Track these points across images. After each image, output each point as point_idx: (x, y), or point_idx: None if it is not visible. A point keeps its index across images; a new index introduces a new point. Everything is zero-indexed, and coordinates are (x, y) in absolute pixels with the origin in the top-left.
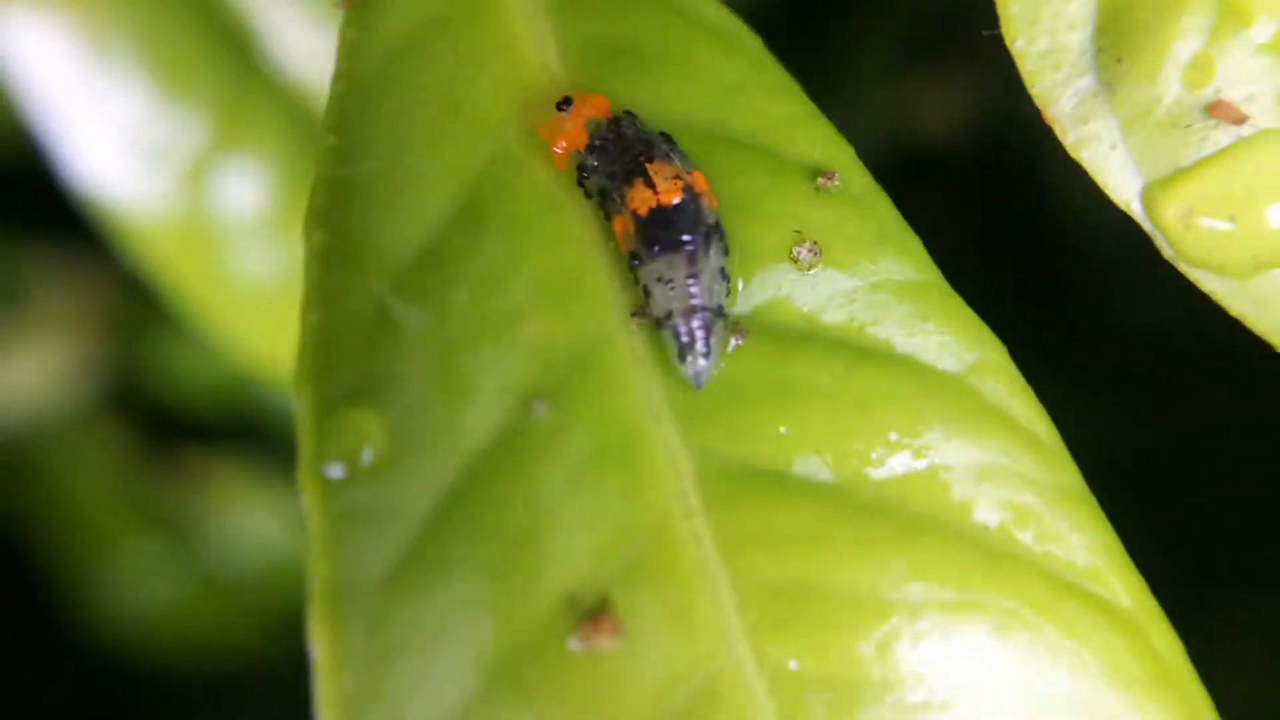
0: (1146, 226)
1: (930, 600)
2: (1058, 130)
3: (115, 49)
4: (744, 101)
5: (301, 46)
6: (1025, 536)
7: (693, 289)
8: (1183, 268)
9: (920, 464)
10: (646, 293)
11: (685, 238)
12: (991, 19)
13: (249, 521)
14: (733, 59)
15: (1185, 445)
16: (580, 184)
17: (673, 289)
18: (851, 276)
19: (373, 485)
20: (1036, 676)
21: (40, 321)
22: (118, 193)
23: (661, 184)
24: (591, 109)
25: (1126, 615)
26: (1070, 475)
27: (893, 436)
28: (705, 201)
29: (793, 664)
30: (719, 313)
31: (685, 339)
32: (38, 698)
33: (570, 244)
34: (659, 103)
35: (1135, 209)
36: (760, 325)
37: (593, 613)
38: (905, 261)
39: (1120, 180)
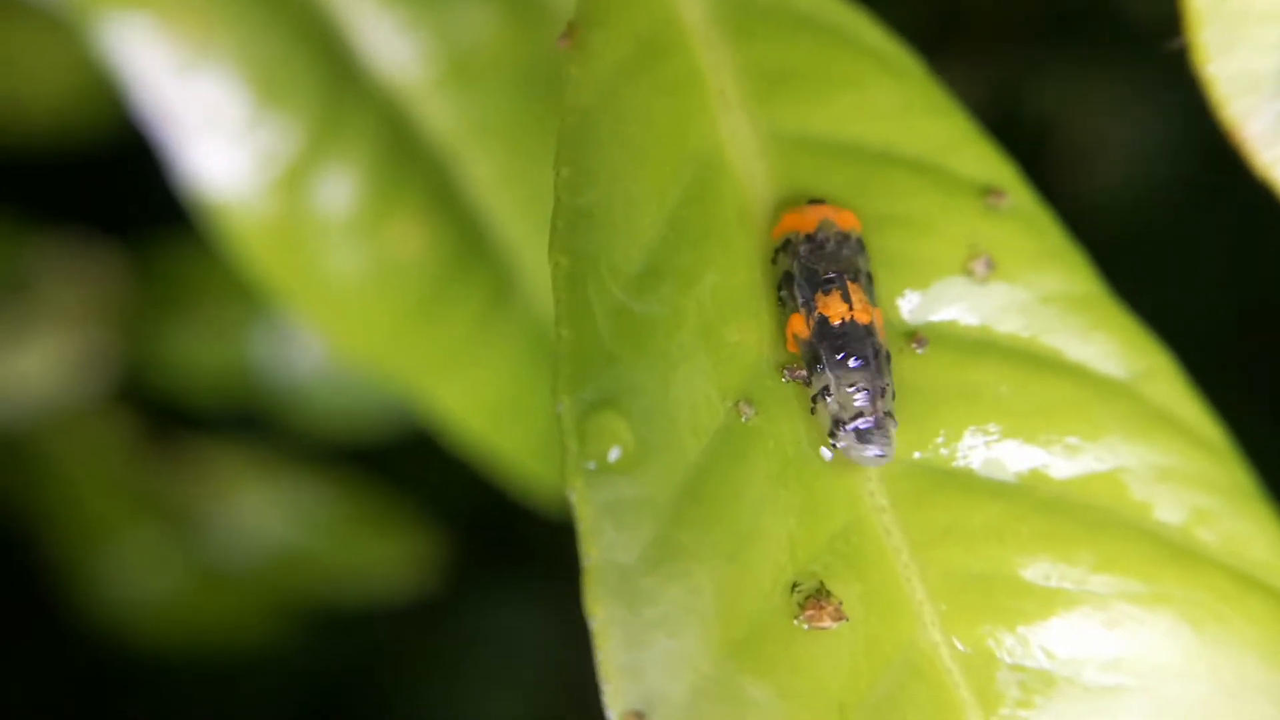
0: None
1: (1118, 591)
2: (1248, 151)
3: (219, 53)
4: (910, 123)
5: (390, 52)
6: (1207, 535)
7: (870, 404)
8: None
9: (1099, 466)
10: (824, 394)
11: (870, 356)
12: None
13: (251, 512)
14: (897, 81)
15: None
16: (775, 260)
17: (850, 401)
18: (1023, 289)
19: (624, 479)
20: (1226, 665)
21: (43, 312)
22: (223, 193)
23: (857, 303)
24: (835, 215)
25: None
26: (1244, 476)
27: (1071, 441)
28: (883, 334)
29: (985, 646)
30: (890, 416)
31: (865, 430)
32: (38, 686)
33: (749, 264)
34: (828, 125)
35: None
36: (938, 336)
37: (814, 597)
38: (1073, 275)
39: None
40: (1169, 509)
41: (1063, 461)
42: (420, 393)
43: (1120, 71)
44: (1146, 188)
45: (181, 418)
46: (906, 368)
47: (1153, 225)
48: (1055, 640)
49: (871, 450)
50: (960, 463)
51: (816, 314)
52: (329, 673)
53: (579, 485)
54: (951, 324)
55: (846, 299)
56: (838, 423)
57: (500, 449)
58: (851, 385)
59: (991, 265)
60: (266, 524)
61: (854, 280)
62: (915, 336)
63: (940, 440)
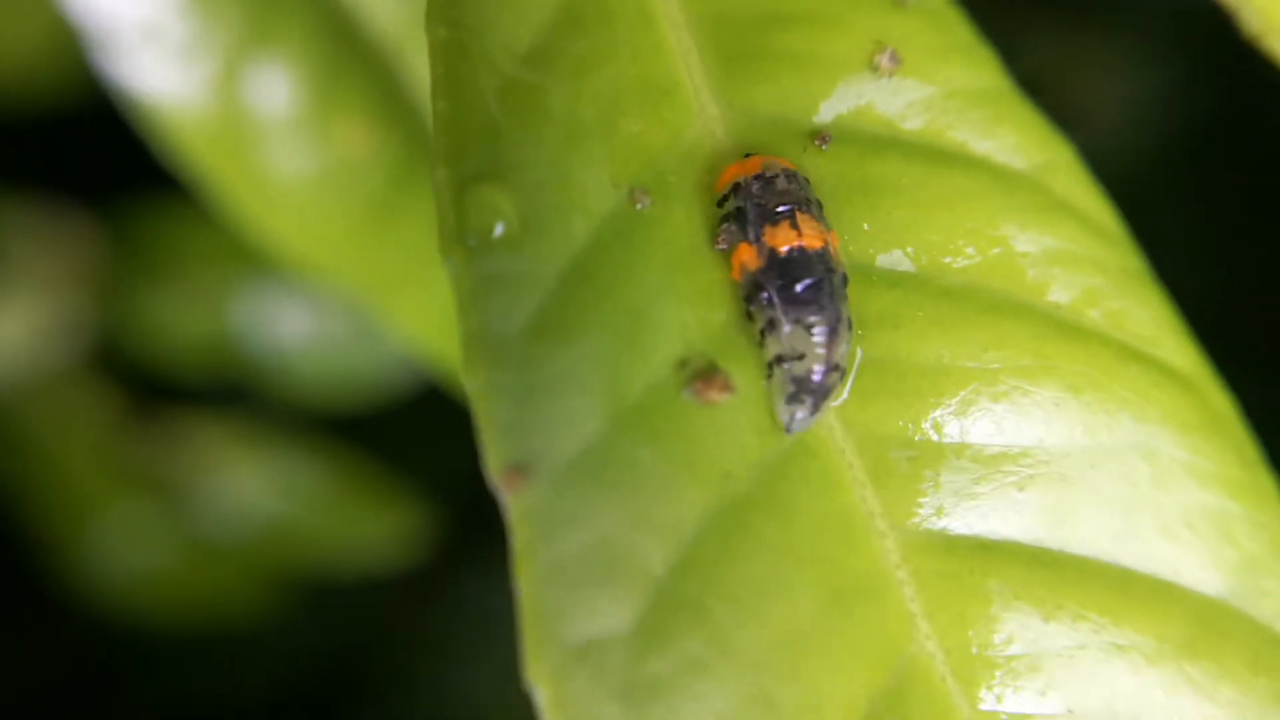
0: (1233, 3)
1: (1007, 366)
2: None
3: None
4: None
5: None
6: (1094, 312)
7: (827, 339)
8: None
9: (996, 251)
10: (769, 327)
11: (826, 283)
12: None
13: (237, 484)
14: None
15: None
16: (722, 202)
17: (807, 334)
18: (929, 84)
19: (507, 254)
20: (1104, 428)
21: (21, 280)
22: (153, 89)
23: (807, 230)
24: (773, 160)
25: (1184, 376)
26: (1134, 259)
27: (969, 228)
28: (839, 259)
29: (875, 427)
30: (839, 369)
31: (799, 389)
32: (25, 661)
33: (662, 56)
34: None
35: None
36: (843, 131)
37: (703, 373)
38: (979, 70)
39: None
40: (1061, 289)
41: (959, 250)
42: (373, 303)
43: (1115, 30)
44: (1139, 150)
45: (164, 389)
46: (810, 165)
47: (1148, 184)
48: (945, 416)
49: (798, 413)
50: (861, 256)
51: (765, 245)
52: (319, 648)
53: (457, 258)
54: (855, 118)
55: (795, 227)
56: (779, 359)
57: (454, 367)
58: (801, 318)
59: (897, 59)
60: (254, 497)
61: (804, 211)
62: (819, 134)
63: (841, 236)
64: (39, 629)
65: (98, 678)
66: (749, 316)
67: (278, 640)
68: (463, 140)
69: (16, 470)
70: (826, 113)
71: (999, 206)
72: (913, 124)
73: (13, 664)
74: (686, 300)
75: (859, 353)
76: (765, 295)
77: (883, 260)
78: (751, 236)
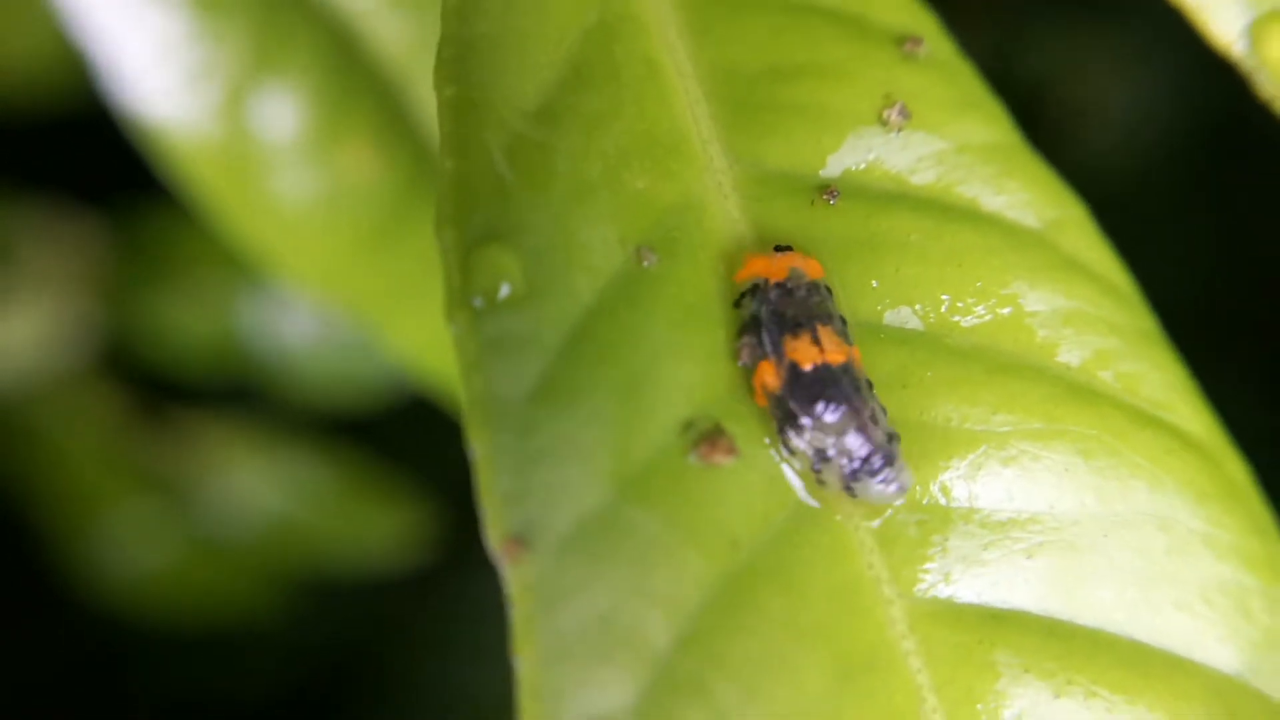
0: (1249, 64)
1: (1017, 430)
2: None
3: None
4: None
5: None
6: (1106, 374)
7: (867, 436)
8: None
9: (1006, 311)
10: (818, 457)
11: (853, 396)
12: None
13: (241, 483)
14: None
15: None
16: (739, 303)
17: (851, 444)
18: (939, 139)
19: (513, 316)
20: (1117, 495)
21: (28, 282)
22: (160, 114)
23: (829, 345)
24: (803, 264)
25: (1199, 442)
26: (1146, 320)
27: (979, 286)
28: (862, 371)
29: None
30: (892, 437)
31: (876, 477)
32: (33, 659)
33: (669, 108)
34: None
35: (1238, 49)
36: (851, 186)
37: (709, 435)
38: (990, 125)
39: (1225, 18)
40: (1071, 350)
41: (969, 309)
42: (371, 322)
43: (1117, 32)
44: (1142, 148)
45: (170, 390)
46: (818, 219)
47: (1151, 183)
48: (953, 479)
49: (893, 488)
50: (869, 314)
51: (787, 361)
52: (322, 646)
53: (462, 321)
54: (864, 173)
55: (816, 341)
56: (852, 475)
57: (455, 385)
58: (841, 432)
59: (906, 114)
60: (258, 496)
61: (825, 324)
62: (828, 188)
63: (849, 292)
64: (46, 625)
65: (103, 673)
66: (786, 445)
67: (281, 638)
68: (470, 200)
69: (24, 469)
70: (835, 166)
71: (1009, 264)
72: (922, 179)
73: (20, 658)
74: (692, 359)
75: None
76: (801, 422)
77: (890, 318)
78: (770, 349)
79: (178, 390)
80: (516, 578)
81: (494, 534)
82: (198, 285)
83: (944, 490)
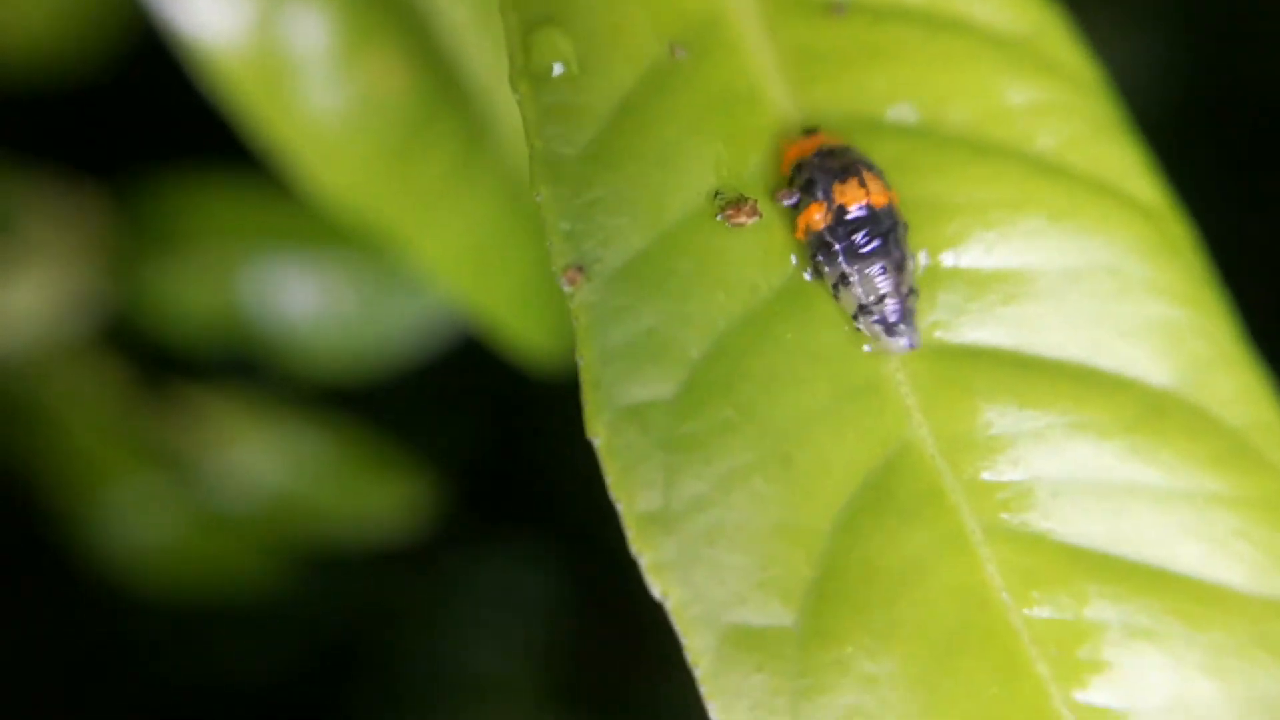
0: None
1: (996, 201)
2: None
3: None
4: None
5: None
6: (1075, 157)
7: (898, 281)
8: None
9: (990, 105)
10: (841, 282)
11: (891, 234)
12: None
13: (248, 457)
14: None
15: None
16: (791, 180)
17: (875, 280)
18: None
19: (568, 88)
20: (1077, 251)
21: (31, 254)
22: (197, 25)
23: (874, 188)
24: (833, 142)
25: (1150, 208)
26: (1113, 111)
27: (966, 84)
28: (900, 213)
29: None
30: (913, 292)
31: (888, 328)
32: (38, 633)
33: None
34: None
35: None
36: (857, 2)
37: (734, 201)
38: None
39: None
40: (1046, 137)
41: (959, 103)
42: (399, 239)
43: (1104, 5)
44: (1135, 115)
45: (173, 363)
46: (828, 29)
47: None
48: (942, 243)
49: (900, 341)
50: (873, 111)
51: (836, 204)
52: (325, 620)
53: (525, 89)
54: None
55: (863, 183)
56: (863, 309)
57: (481, 302)
58: (870, 267)
59: None
60: (262, 469)
61: (869, 170)
62: (836, 4)
63: (856, 92)
64: (49, 599)
65: (106, 647)
66: (817, 273)
67: (284, 612)
68: None
69: (27, 443)
70: None
71: (993, 65)
72: None
73: (24, 633)
74: (720, 140)
75: None
76: (834, 250)
77: (891, 113)
78: (821, 195)
79: (180, 363)
80: (578, 297)
81: (556, 264)
82: (200, 258)
83: (933, 253)
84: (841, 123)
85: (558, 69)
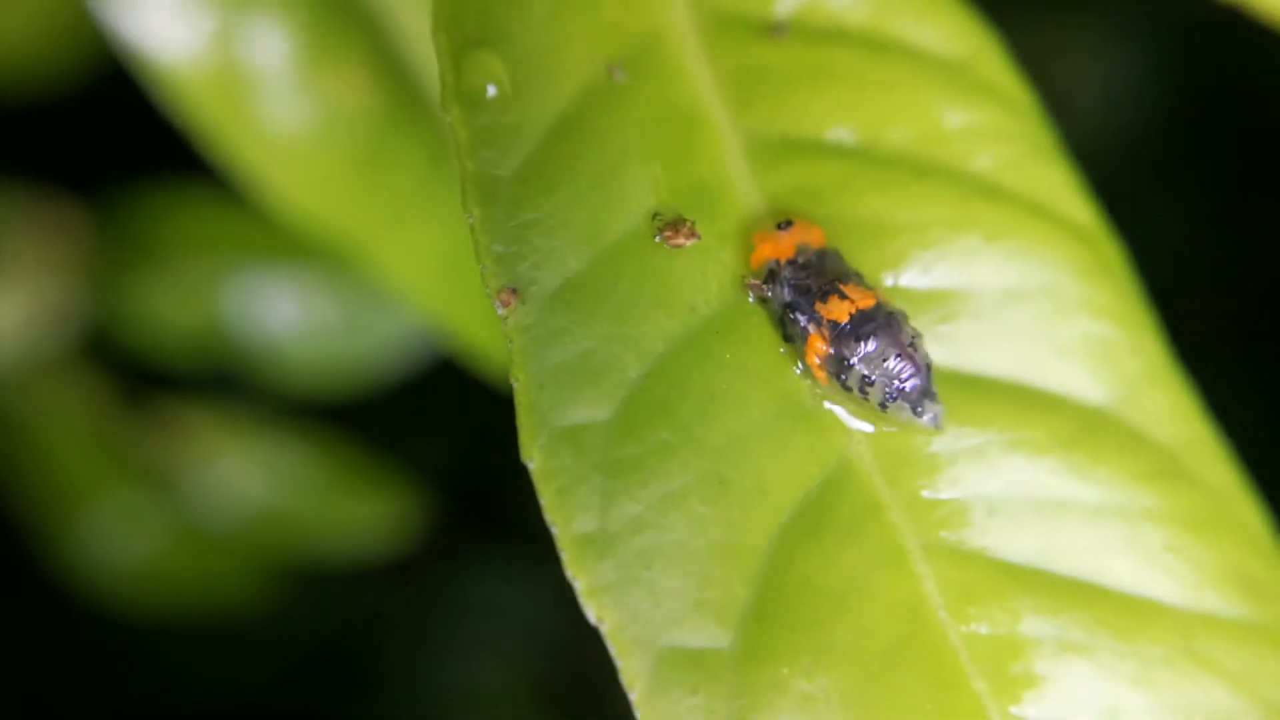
0: None
1: (934, 221)
2: None
3: None
4: None
5: None
6: (1010, 178)
7: (909, 362)
8: None
9: (927, 127)
10: (865, 384)
11: (891, 325)
12: None
13: (229, 472)
14: None
15: None
16: (766, 289)
17: (892, 371)
18: None
19: (500, 109)
20: (1013, 271)
21: (11, 269)
22: (155, 43)
23: (856, 295)
24: (806, 234)
25: (1083, 230)
26: (1047, 134)
27: (904, 107)
28: (889, 302)
29: None
30: (928, 364)
31: (914, 404)
32: (17, 647)
33: None
34: None
35: None
36: (796, 24)
37: (672, 223)
38: None
39: None
40: (982, 158)
41: (895, 126)
42: (364, 255)
43: (1094, 12)
44: (1122, 128)
45: (154, 378)
46: (768, 52)
47: (1129, 165)
48: (880, 262)
49: (927, 417)
50: (812, 133)
51: (826, 322)
52: (310, 636)
53: (456, 112)
54: (808, 13)
55: (844, 297)
56: (888, 397)
57: (448, 317)
58: (883, 359)
59: None
60: (245, 484)
61: (844, 281)
62: (776, 26)
63: (795, 114)
64: (30, 616)
65: (89, 664)
66: (845, 388)
67: (269, 628)
68: (460, 8)
69: (7, 458)
70: (783, 7)
71: (931, 88)
72: (856, 17)
73: (5, 649)
74: (659, 161)
75: None
76: (850, 364)
77: (829, 134)
78: (809, 321)
79: (162, 378)
80: (512, 320)
81: (491, 287)
82: (180, 272)
83: (873, 273)
84: (783, 147)
85: (491, 90)
